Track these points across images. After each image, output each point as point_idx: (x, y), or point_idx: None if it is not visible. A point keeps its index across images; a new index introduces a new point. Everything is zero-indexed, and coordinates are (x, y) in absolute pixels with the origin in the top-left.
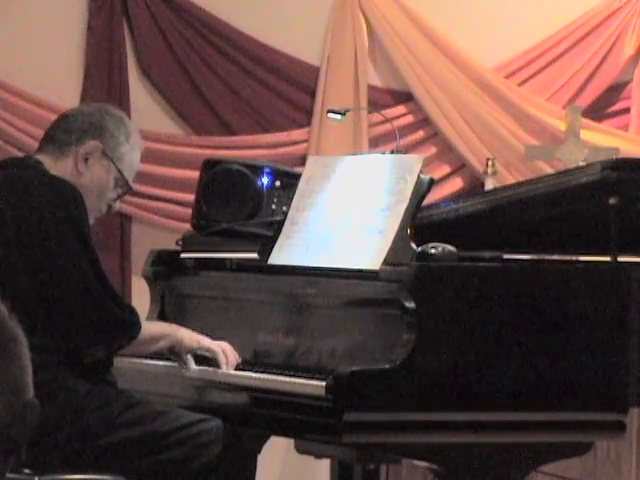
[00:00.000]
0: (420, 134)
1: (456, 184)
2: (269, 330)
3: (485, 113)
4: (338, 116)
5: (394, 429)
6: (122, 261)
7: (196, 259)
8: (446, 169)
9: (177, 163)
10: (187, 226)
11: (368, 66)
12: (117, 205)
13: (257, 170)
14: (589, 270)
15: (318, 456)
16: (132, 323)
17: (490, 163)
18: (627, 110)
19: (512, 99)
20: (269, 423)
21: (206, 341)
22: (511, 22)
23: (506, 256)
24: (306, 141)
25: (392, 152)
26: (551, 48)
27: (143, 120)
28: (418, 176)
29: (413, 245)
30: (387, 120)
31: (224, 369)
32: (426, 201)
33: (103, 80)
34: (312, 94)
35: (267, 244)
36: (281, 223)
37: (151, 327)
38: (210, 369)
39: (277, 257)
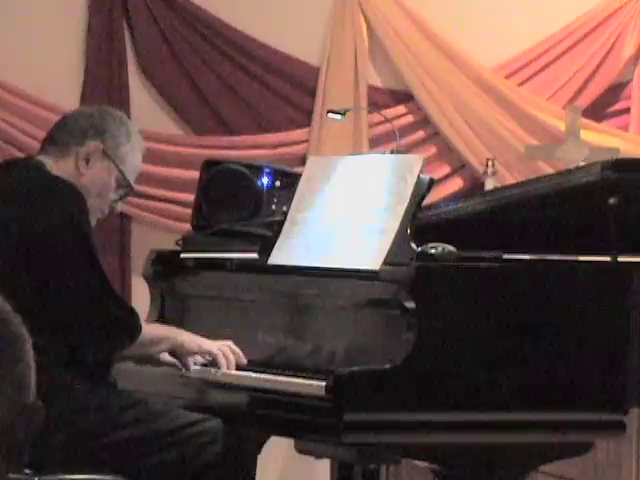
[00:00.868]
0: (420, 134)
1: (456, 184)
2: (269, 330)
3: (485, 113)
4: (338, 116)
5: (394, 429)
6: (122, 261)
7: (196, 259)
8: (446, 169)
9: (177, 163)
10: (187, 226)
11: (368, 66)
12: (119, 206)
13: (257, 170)
14: (589, 270)
15: (318, 456)
16: (133, 324)
17: (490, 163)
18: (627, 110)
19: (512, 99)
20: (269, 423)
21: (207, 344)
22: (511, 22)
23: (506, 256)
24: (306, 141)
25: (392, 152)
26: (551, 48)
27: (143, 120)
28: (418, 176)
29: (413, 245)
30: (387, 120)
31: (224, 370)
32: (426, 201)
33: (103, 80)
34: (312, 94)
35: (267, 244)
36: (281, 223)
37: (152, 329)
38: (210, 369)
39: (277, 257)
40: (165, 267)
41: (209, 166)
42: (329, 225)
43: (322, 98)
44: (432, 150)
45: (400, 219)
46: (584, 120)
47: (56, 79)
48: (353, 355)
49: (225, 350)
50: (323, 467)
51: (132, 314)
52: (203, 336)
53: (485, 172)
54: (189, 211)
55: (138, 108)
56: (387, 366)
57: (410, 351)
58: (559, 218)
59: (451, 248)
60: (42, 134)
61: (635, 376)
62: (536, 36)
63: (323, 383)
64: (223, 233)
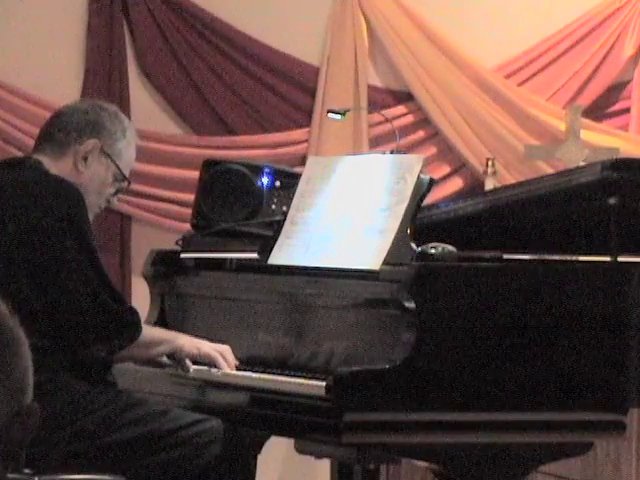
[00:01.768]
0: (420, 134)
1: (456, 184)
2: (269, 330)
3: (485, 113)
4: (338, 116)
5: (394, 429)
6: (122, 261)
7: (196, 259)
8: (446, 169)
9: (177, 163)
10: (187, 226)
11: (368, 66)
12: (115, 200)
13: (257, 170)
14: (589, 270)
15: (318, 456)
16: (133, 323)
17: (490, 163)
18: (627, 110)
19: (512, 99)
20: (269, 423)
21: (206, 347)
22: (511, 22)
23: (506, 256)
24: (306, 141)
25: (392, 152)
26: (551, 48)
27: (143, 120)
28: (418, 176)
29: (413, 245)
30: (387, 120)
31: (224, 369)
32: (426, 201)
33: (103, 80)
34: (312, 94)
35: (267, 244)
36: (281, 223)
37: (152, 331)
38: (210, 369)
39: (277, 257)
40: (165, 267)
41: (209, 166)
42: (329, 225)
43: (322, 98)
44: (432, 150)
45: (400, 219)
46: (584, 120)
47: (56, 79)
48: (353, 355)
49: (223, 350)
50: (323, 467)
51: (132, 313)
52: (203, 336)
53: (485, 172)
54: (189, 211)
55: (138, 108)
56: (387, 366)
57: (410, 351)
58: (559, 218)
59: (451, 248)
60: None
61: (635, 376)
62: (536, 36)
63: (323, 383)
64: (223, 233)
